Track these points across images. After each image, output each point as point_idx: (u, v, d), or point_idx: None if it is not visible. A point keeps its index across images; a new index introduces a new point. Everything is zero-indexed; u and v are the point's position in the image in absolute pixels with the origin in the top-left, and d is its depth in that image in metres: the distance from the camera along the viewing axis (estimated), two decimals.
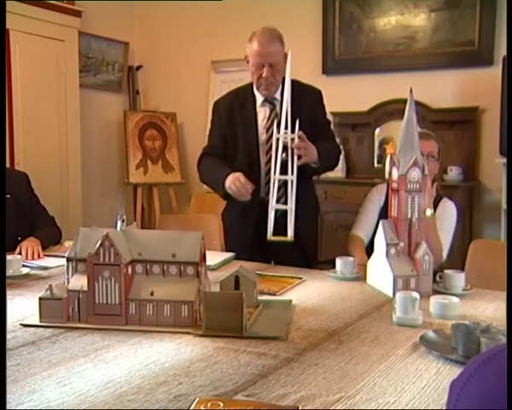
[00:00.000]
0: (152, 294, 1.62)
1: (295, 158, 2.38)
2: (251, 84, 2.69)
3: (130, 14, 5.46)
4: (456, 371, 1.29)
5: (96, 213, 4.99)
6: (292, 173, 2.37)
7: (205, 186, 5.18)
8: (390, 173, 2.02)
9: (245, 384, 1.23)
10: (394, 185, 2.02)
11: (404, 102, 2.05)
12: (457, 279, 2.01)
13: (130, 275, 1.64)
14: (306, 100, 2.63)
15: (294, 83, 2.56)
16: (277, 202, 2.40)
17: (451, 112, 4.13)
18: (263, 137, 2.63)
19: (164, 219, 3.70)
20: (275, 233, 2.38)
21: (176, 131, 5.24)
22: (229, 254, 2.55)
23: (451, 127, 4.13)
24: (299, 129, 2.39)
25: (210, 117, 2.83)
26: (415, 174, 1.97)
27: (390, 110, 4.27)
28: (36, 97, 4.35)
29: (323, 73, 4.56)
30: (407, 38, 4.35)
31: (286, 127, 2.38)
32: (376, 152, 4.45)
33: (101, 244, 1.60)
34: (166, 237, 1.74)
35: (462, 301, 1.81)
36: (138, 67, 5.51)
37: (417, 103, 3.97)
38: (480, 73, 4.06)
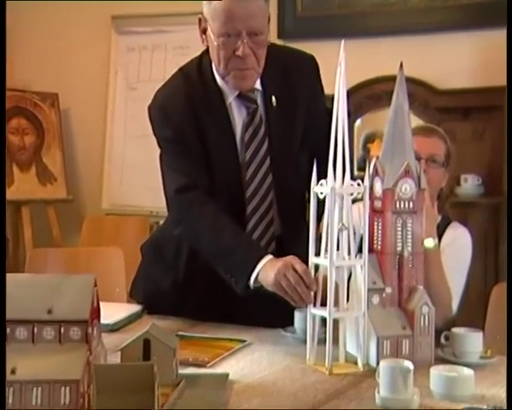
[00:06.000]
0: (13, 372, 1.61)
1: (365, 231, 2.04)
2: (208, 65, 2.43)
3: None
4: None
5: None
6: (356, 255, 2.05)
7: (104, 205, 5.25)
8: (371, 187, 2.05)
9: None
10: (378, 204, 2.05)
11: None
12: (472, 342, 2.04)
13: None
14: (301, 79, 2.46)
15: (273, 49, 2.38)
16: None
17: (468, 94, 4.24)
18: (242, 156, 2.43)
19: (38, 256, 3.66)
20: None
21: (58, 121, 5.21)
22: (137, 308, 2.56)
23: (468, 117, 4.22)
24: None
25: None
26: (406, 187, 2.00)
27: (377, 92, 4.34)
28: None
29: (279, 37, 4.61)
30: None
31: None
32: (358, 153, 4.50)
33: None
34: (40, 283, 1.73)
35: (479, 375, 1.82)
36: None
37: (417, 82, 4.08)
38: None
